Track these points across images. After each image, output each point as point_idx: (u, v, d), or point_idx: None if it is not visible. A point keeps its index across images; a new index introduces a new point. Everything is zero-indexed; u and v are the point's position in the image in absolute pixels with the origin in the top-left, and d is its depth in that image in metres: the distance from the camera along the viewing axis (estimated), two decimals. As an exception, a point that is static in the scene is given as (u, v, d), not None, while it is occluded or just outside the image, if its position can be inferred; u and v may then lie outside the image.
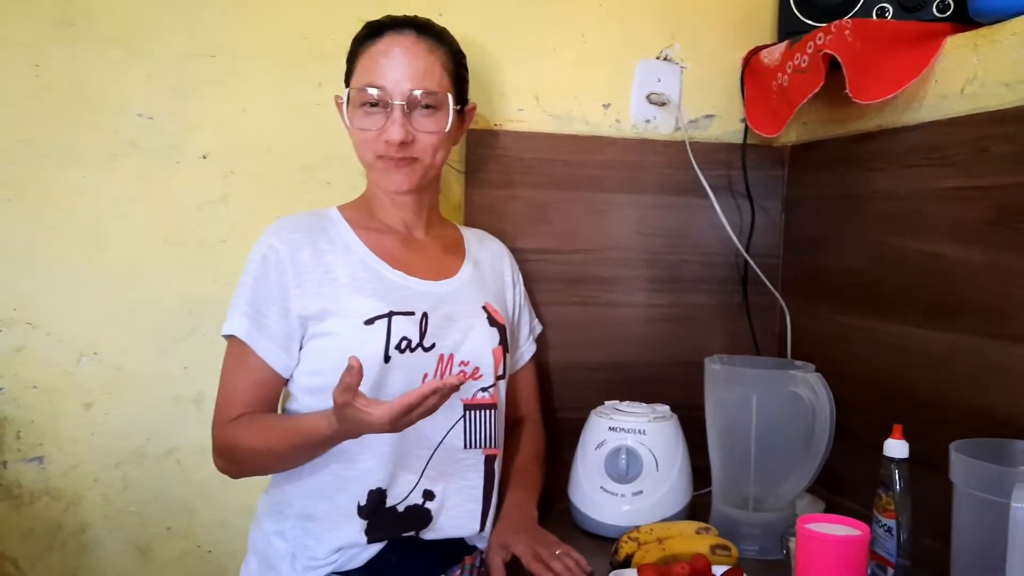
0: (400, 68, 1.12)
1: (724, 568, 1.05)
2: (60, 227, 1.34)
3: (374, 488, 1.11)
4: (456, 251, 1.29)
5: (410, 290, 1.17)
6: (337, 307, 1.12)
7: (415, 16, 1.19)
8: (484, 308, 1.23)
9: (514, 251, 1.42)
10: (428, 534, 1.14)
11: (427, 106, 1.13)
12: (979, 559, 0.90)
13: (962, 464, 0.91)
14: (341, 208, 1.23)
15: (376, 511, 1.11)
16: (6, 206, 1.31)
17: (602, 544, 1.18)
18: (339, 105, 1.20)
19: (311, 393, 1.13)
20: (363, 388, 1.06)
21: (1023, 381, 1.05)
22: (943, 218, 1.20)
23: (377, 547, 1.12)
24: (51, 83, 1.32)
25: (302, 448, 1.09)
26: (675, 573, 1.00)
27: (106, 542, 1.38)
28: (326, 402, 1.09)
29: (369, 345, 1.09)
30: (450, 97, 1.15)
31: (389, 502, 1.12)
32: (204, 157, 1.38)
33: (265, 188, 1.40)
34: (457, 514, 1.16)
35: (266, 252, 1.13)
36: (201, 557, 1.43)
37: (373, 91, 1.12)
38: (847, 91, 1.24)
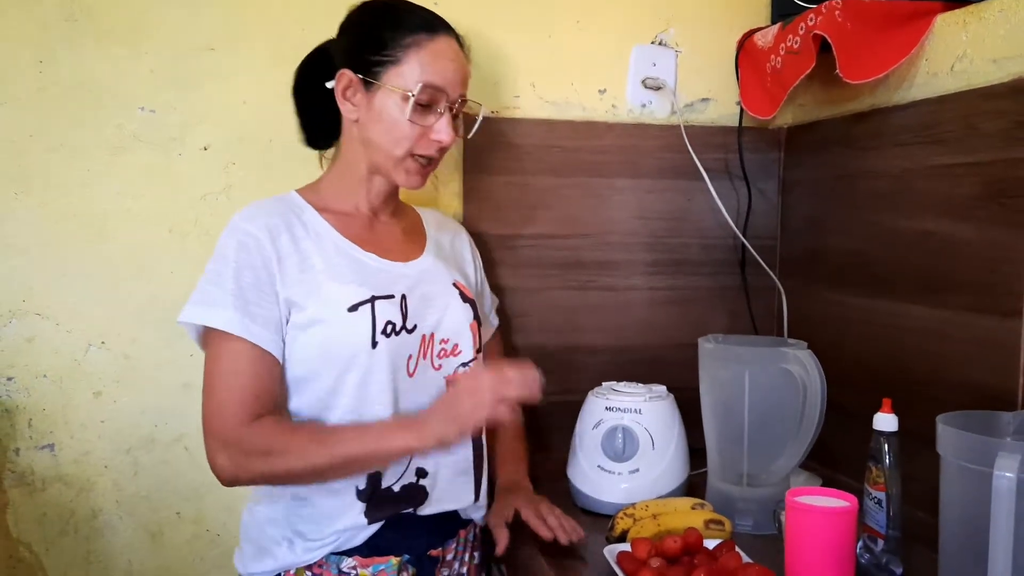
0: (455, 71, 1.14)
1: (717, 542, 1.07)
2: (67, 220, 1.37)
3: (371, 471, 1.12)
4: (417, 232, 1.29)
5: (387, 273, 1.16)
6: (318, 295, 1.10)
7: None
8: (455, 285, 1.23)
9: (513, 237, 1.44)
10: (425, 509, 1.16)
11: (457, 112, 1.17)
12: (966, 528, 0.91)
13: (948, 435, 0.93)
14: (300, 192, 1.21)
15: (374, 493, 1.12)
16: (14, 200, 1.35)
17: (600, 522, 1.20)
18: (353, 84, 1.15)
19: (297, 383, 1.12)
20: (352, 376, 1.09)
21: (1013, 355, 1.06)
22: (935, 195, 1.21)
23: (376, 525, 1.14)
24: (55, 79, 1.35)
25: (365, 462, 1.09)
26: (667, 547, 1.02)
27: (118, 527, 1.42)
28: (313, 393, 1.11)
29: (356, 332, 1.09)
30: None
31: (385, 483, 1.13)
32: (205, 149, 1.41)
33: (266, 178, 1.43)
34: (451, 487, 1.18)
35: (243, 239, 1.09)
36: (211, 540, 1.46)
37: (439, 91, 1.13)
38: (838, 71, 1.25)
